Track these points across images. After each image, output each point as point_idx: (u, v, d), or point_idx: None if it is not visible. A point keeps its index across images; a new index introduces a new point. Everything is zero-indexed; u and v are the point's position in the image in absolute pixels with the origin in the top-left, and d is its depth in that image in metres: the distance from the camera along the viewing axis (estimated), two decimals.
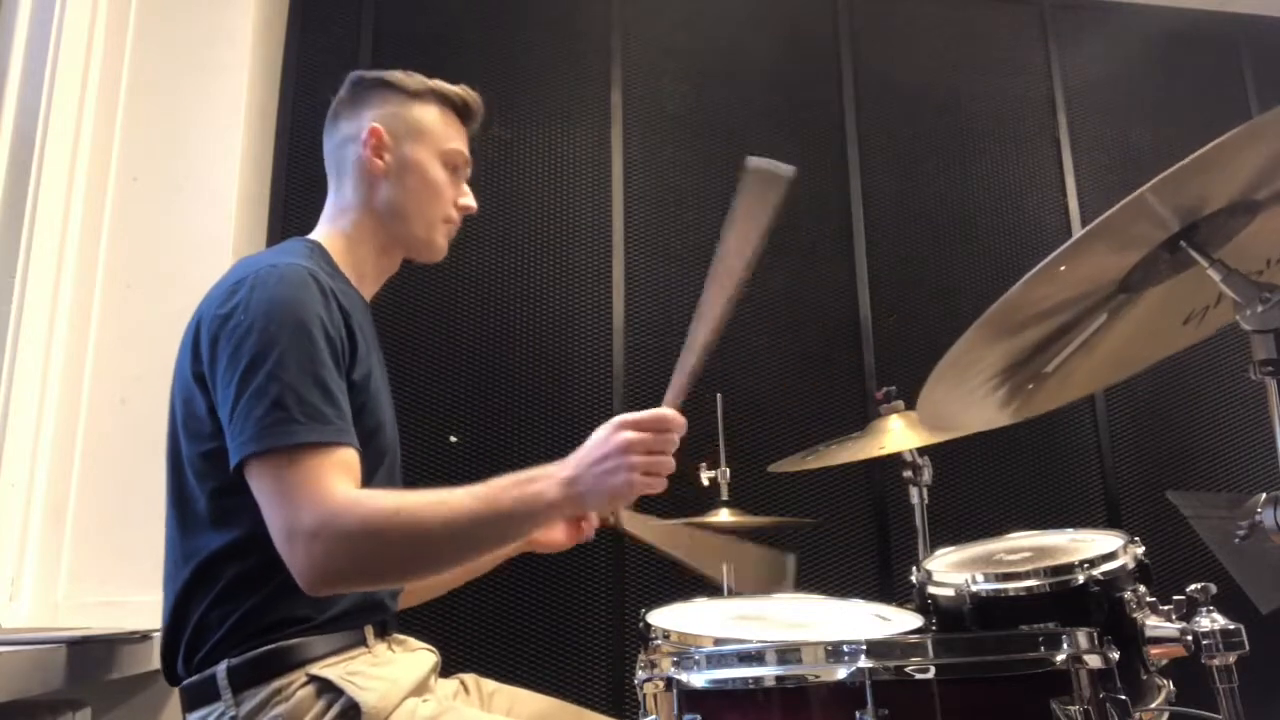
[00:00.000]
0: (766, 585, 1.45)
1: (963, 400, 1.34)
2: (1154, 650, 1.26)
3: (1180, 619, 1.25)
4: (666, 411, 1.16)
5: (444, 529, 1.09)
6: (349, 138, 1.38)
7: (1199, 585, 1.22)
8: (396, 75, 1.39)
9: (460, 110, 1.43)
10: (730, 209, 1.15)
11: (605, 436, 1.13)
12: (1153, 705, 1.27)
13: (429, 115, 1.39)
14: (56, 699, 1.40)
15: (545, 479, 1.12)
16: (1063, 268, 1.06)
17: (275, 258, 1.22)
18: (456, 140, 1.41)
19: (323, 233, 1.38)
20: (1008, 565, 1.39)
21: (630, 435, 1.12)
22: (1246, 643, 1.18)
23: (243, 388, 1.09)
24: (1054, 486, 2.76)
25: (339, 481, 1.08)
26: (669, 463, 1.14)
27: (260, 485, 1.08)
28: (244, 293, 1.15)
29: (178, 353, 1.23)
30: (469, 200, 1.42)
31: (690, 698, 1.05)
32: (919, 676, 0.98)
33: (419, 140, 1.37)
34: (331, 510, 1.05)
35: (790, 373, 2.69)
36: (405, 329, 2.52)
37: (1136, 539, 1.36)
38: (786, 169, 1.13)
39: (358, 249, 1.37)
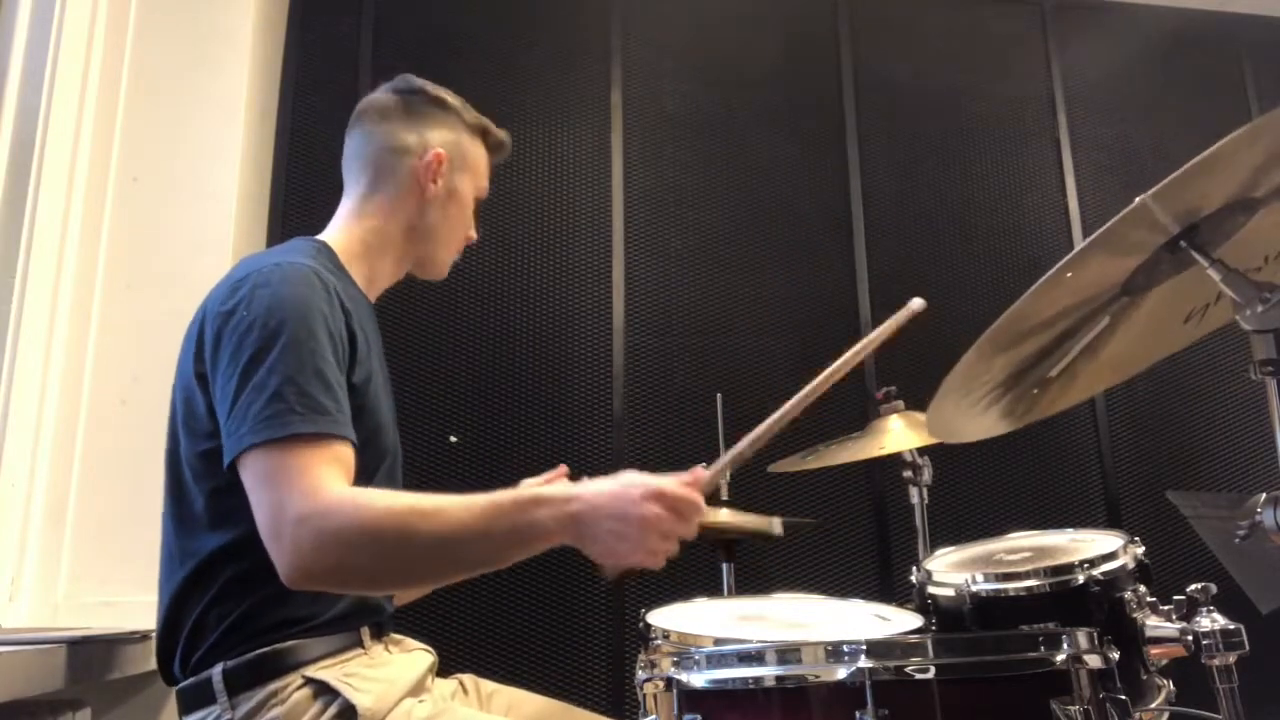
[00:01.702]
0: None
1: (969, 411, 1.34)
2: (1154, 650, 1.26)
3: (1180, 619, 1.25)
4: (698, 499, 1.12)
5: (435, 542, 1.06)
6: (405, 149, 1.37)
7: (1199, 585, 1.22)
8: (454, 101, 1.43)
9: (493, 149, 1.48)
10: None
11: (632, 498, 1.08)
12: (1153, 705, 1.27)
13: (477, 151, 1.45)
14: (56, 699, 1.40)
15: (549, 506, 1.09)
16: (1069, 275, 1.06)
17: (279, 256, 1.22)
18: (486, 178, 1.47)
19: (337, 233, 1.37)
20: (1008, 565, 1.39)
21: (657, 511, 1.08)
22: (1246, 643, 1.18)
23: (243, 383, 1.09)
24: (1054, 486, 2.76)
25: (331, 476, 1.06)
26: (676, 547, 1.11)
27: (252, 475, 1.07)
28: (246, 290, 1.15)
29: (180, 350, 1.23)
30: (474, 232, 1.49)
31: (690, 698, 1.05)
32: (919, 676, 0.98)
33: (466, 172, 1.43)
34: (323, 505, 1.03)
35: (790, 373, 2.69)
36: (405, 329, 2.52)
37: (1136, 539, 1.36)
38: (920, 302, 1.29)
39: (375, 256, 1.37)
